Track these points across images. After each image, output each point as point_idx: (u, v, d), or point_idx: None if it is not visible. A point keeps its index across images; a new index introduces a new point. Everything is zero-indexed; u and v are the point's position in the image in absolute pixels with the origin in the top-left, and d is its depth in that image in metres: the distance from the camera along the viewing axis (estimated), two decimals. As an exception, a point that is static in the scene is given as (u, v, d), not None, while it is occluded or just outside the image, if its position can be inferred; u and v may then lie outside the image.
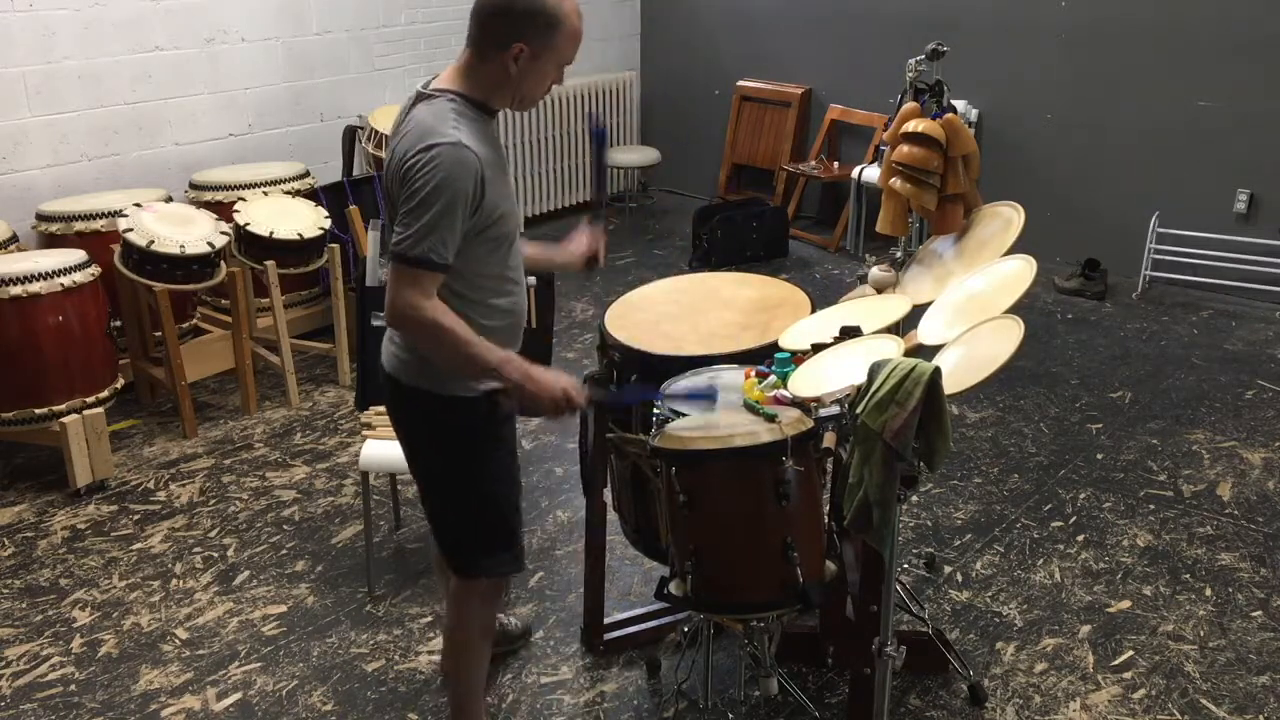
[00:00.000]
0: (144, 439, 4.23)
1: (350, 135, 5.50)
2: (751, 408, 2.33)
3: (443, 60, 6.12)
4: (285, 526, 3.65)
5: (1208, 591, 3.25)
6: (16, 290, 3.70)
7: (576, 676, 2.93)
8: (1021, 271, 2.48)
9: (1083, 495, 3.77)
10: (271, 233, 4.37)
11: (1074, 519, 3.63)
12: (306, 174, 5.03)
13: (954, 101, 4.27)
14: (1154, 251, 5.49)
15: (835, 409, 2.27)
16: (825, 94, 6.61)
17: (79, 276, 3.83)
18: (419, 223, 2.06)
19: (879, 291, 2.92)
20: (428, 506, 2.47)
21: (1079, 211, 5.79)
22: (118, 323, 4.33)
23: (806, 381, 2.35)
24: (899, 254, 3.05)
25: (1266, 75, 5.15)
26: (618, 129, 7.16)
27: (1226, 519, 3.61)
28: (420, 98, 2.19)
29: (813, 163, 6.55)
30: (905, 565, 3.38)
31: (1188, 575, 3.32)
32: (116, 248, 4.12)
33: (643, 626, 3.04)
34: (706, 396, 2.43)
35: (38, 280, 3.73)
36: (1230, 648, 3.00)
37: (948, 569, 3.37)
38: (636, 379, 2.67)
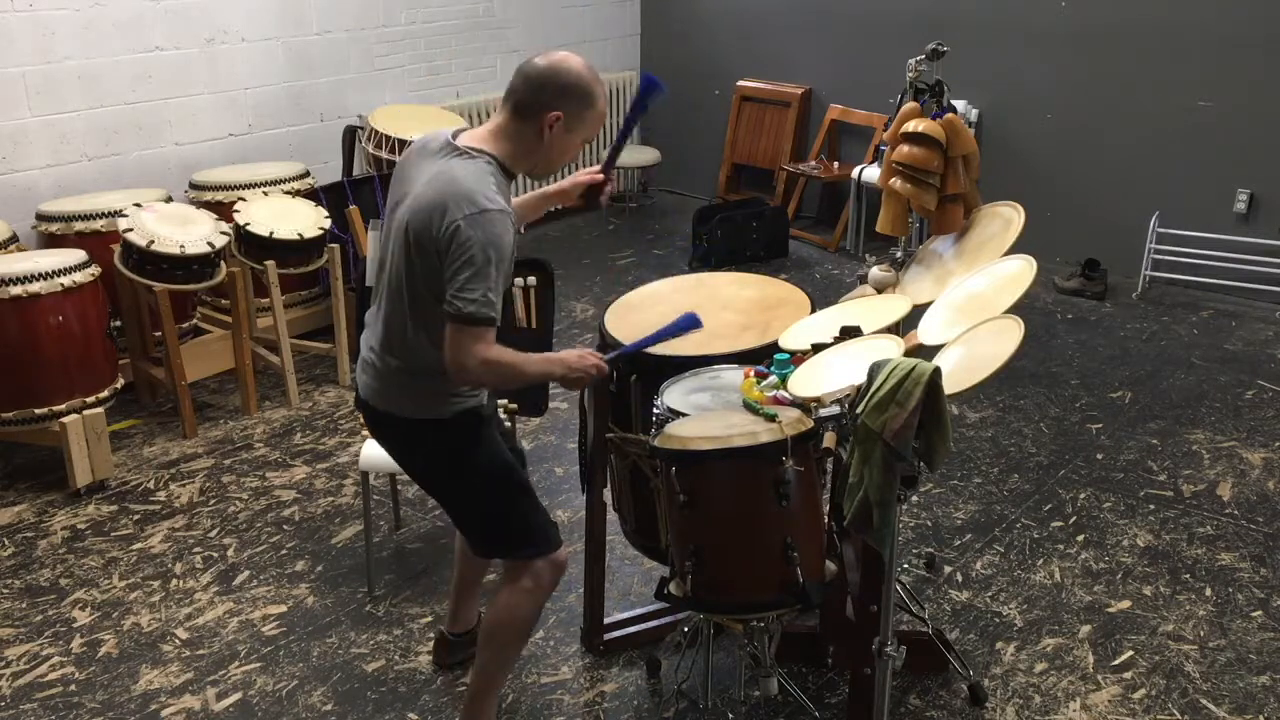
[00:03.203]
0: (144, 439, 4.23)
1: (350, 135, 5.50)
2: (751, 408, 2.33)
3: (443, 60, 6.12)
4: (285, 526, 3.65)
5: (1208, 591, 3.25)
6: (16, 290, 3.70)
7: (576, 676, 2.93)
8: (1021, 271, 2.48)
9: (1083, 495, 3.77)
10: (271, 233, 4.37)
11: (1074, 519, 3.63)
12: (306, 174, 5.03)
13: (954, 101, 4.27)
14: (1154, 251, 5.49)
15: (835, 409, 2.26)
16: (825, 94, 6.61)
17: (79, 276, 3.83)
18: (483, 286, 2.17)
19: (879, 291, 2.92)
20: (454, 521, 2.61)
21: (1079, 211, 5.79)
22: (118, 323, 4.33)
23: (806, 381, 2.35)
24: (899, 254, 3.05)
25: (1266, 75, 5.15)
26: (618, 129, 7.15)
27: (1226, 519, 3.61)
28: (454, 151, 2.27)
29: (813, 163, 6.55)
30: (905, 565, 3.38)
31: (1188, 575, 3.32)
32: (116, 248, 4.12)
33: (643, 626, 3.04)
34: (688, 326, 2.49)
35: (38, 280, 3.73)
36: (1230, 648, 3.00)
37: (948, 569, 3.37)
38: (636, 379, 2.67)
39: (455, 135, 2.32)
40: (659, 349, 2.65)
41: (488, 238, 2.15)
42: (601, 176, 2.67)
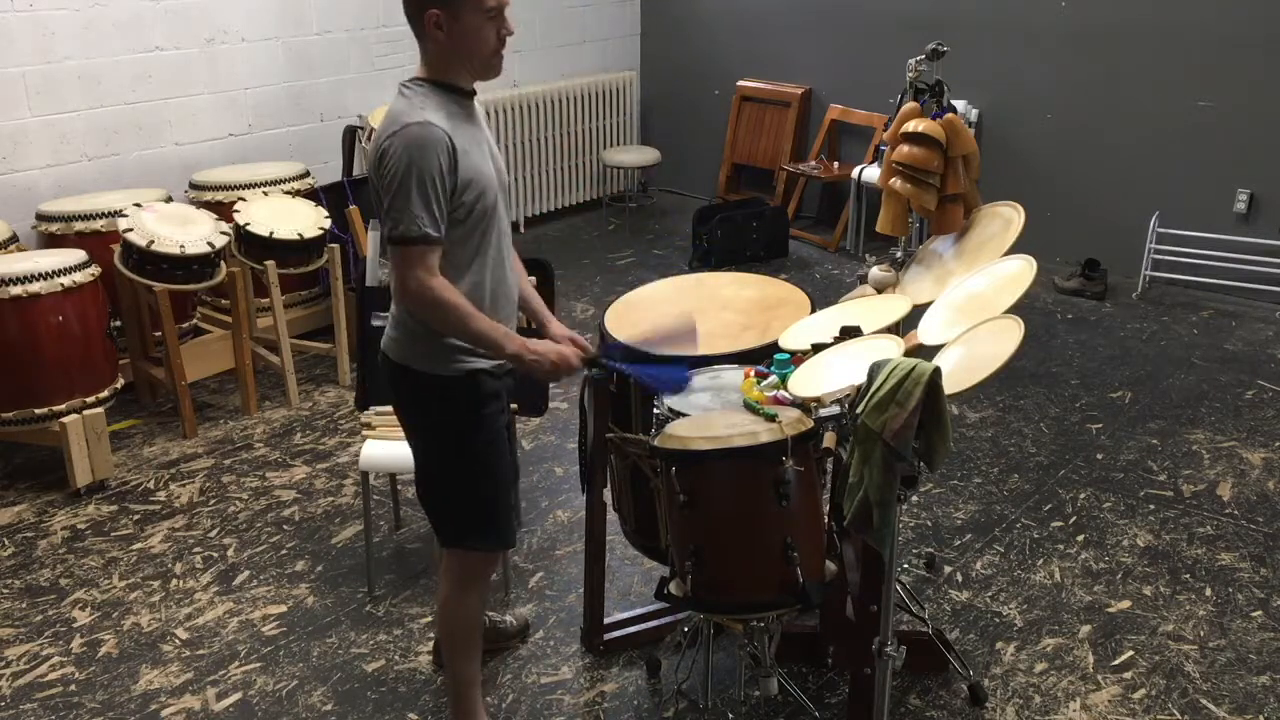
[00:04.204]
0: (144, 439, 4.23)
1: (350, 135, 5.50)
2: (751, 408, 2.33)
3: (443, 60, 6.12)
4: (285, 526, 3.65)
5: (1208, 591, 3.25)
6: (16, 290, 3.70)
7: (576, 676, 2.93)
8: (1021, 271, 2.48)
9: (1083, 495, 3.77)
10: (271, 233, 4.37)
11: (1074, 519, 3.63)
12: (306, 174, 5.03)
13: (954, 101, 4.27)
14: (1154, 251, 5.49)
15: (835, 409, 2.27)
16: (825, 94, 6.61)
17: (79, 276, 3.83)
18: (399, 202, 2.17)
19: (879, 291, 2.92)
20: (416, 478, 2.53)
21: (1079, 211, 5.78)
22: (118, 323, 4.32)
23: (806, 381, 2.35)
24: (899, 254, 3.05)
25: (1267, 75, 5.15)
26: (618, 129, 7.16)
27: (1226, 519, 3.61)
28: (397, 94, 2.30)
29: (813, 163, 6.55)
30: (905, 565, 3.38)
31: (1188, 575, 3.32)
32: (116, 248, 4.12)
33: (643, 626, 3.04)
34: (676, 379, 2.47)
35: (38, 280, 3.73)
36: (1230, 648, 3.00)
37: (948, 569, 3.37)
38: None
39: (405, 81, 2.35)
40: (659, 349, 2.65)
41: (405, 151, 2.16)
42: (581, 351, 2.52)
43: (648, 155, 6.88)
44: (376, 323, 3.43)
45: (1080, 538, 3.52)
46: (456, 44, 2.24)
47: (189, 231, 4.14)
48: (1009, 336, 2.22)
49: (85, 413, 3.81)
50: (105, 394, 3.96)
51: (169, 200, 4.54)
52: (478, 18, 2.22)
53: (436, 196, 2.17)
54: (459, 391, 2.37)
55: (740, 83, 6.89)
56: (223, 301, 4.70)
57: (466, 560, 2.52)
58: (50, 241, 4.35)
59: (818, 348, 2.46)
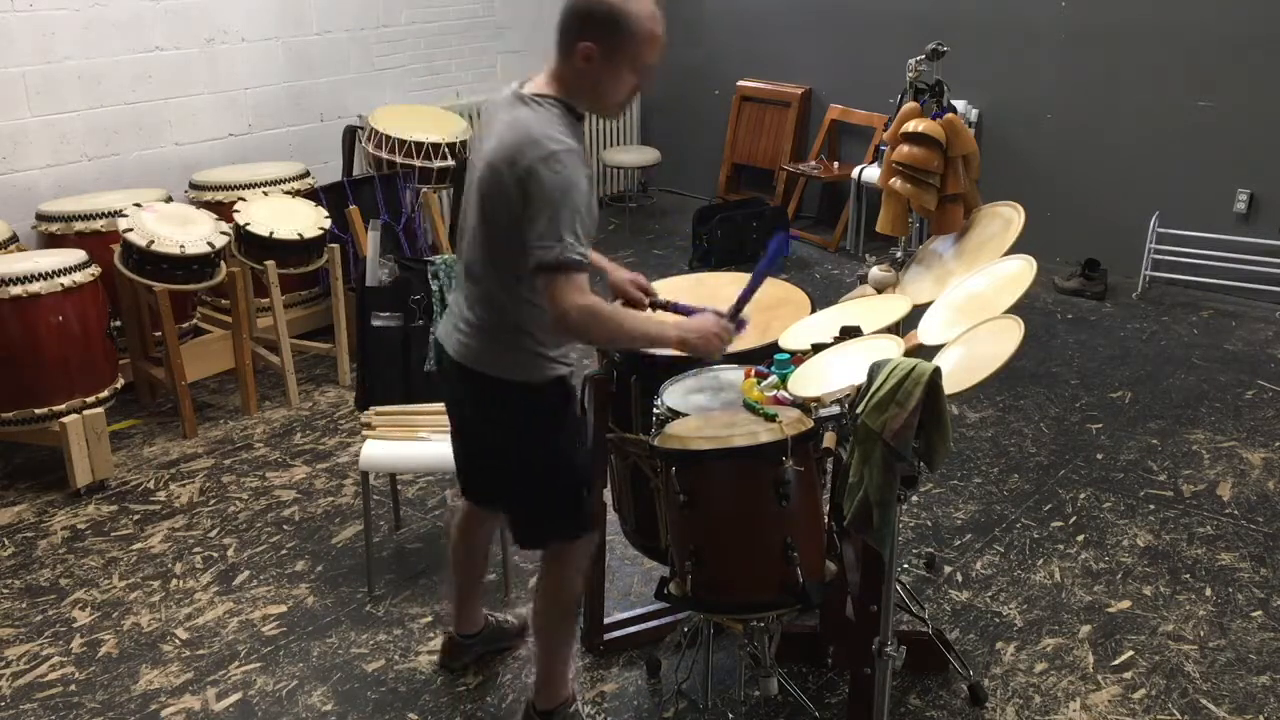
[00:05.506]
0: (144, 439, 4.23)
1: (350, 135, 5.50)
2: (751, 408, 2.33)
3: (442, 60, 6.12)
4: (285, 526, 3.65)
5: (1208, 591, 3.25)
6: (16, 290, 3.70)
7: (576, 676, 2.93)
8: (1021, 271, 2.48)
9: (1083, 495, 3.77)
10: (271, 233, 4.37)
11: (1074, 519, 3.63)
12: (306, 174, 5.03)
13: (954, 101, 4.27)
14: (1154, 251, 5.49)
15: (835, 409, 2.27)
16: (825, 94, 6.61)
17: (79, 276, 3.83)
18: (560, 229, 2.12)
19: (879, 291, 2.92)
20: (493, 483, 2.55)
21: (1079, 211, 5.78)
22: (118, 323, 4.33)
23: (806, 381, 2.35)
24: (899, 254, 3.05)
25: (1267, 75, 5.15)
26: (618, 129, 7.16)
27: (1226, 519, 3.61)
28: (520, 101, 2.25)
29: (813, 163, 6.55)
30: (905, 565, 3.38)
31: (1188, 575, 3.32)
32: (116, 248, 4.12)
33: (643, 626, 3.04)
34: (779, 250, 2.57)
35: (38, 280, 3.73)
36: (1230, 648, 3.00)
37: (948, 569, 3.37)
38: (636, 379, 2.67)
39: (521, 86, 2.30)
40: (658, 350, 2.65)
41: (557, 179, 2.12)
42: (644, 297, 2.68)
43: (648, 155, 6.88)
44: (377, 323, 3.43)
45: (1080, 538, 3.52)
46: (596, 81, 2.23)
47: (189, 231, 4.14)
48: (1009, 336, 2.22)
49: (85, 413, 3.81)
50: (105, 394, 3.96)
51: (169, 200, 4.54)
52: (626, 67, 2.24)
53: (585, 225, 2.16)
54: (550, 396, 2.39)
55: (740, 83, 6.89)
56: (223, 301, 4.70)
57: (572, 551, 2.54)
58: (50, 241, 4.35)
59: (818, 348, 2.46)
